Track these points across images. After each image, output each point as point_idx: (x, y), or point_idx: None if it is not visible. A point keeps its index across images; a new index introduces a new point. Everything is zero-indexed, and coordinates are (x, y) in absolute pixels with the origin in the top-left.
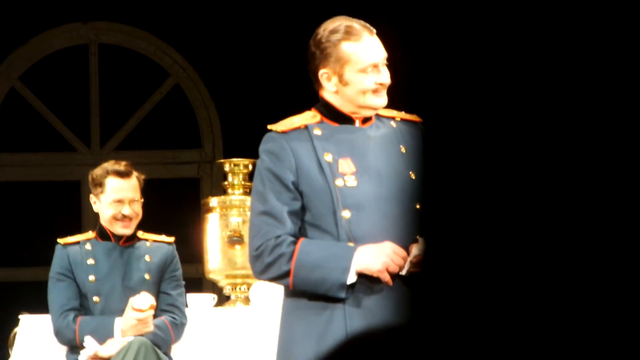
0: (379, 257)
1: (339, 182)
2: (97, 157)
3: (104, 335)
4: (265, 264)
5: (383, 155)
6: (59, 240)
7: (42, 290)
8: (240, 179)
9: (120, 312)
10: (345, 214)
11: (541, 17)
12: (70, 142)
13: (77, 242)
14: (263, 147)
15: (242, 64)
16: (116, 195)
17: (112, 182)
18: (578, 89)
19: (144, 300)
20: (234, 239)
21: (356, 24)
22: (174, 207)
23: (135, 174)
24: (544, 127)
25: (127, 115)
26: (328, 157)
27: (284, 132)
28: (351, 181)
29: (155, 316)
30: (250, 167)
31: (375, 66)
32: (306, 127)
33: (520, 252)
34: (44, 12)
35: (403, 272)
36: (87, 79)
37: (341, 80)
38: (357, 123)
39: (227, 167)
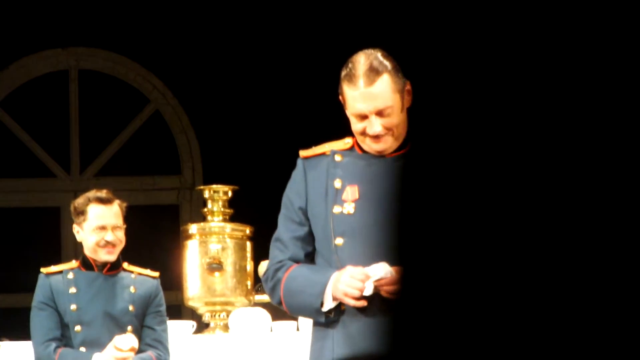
0: (338, 284)
1: (336, 209)
2: (76, 183)
3: None
4: (269, 289)
5: (390, 183)
6: (42, 269)
7: (22, 317)
8: (220, 206)
9: (102, 343)
10: (338, 241)
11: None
12: (50, 168)
13: (60, 272)
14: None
15: (222, 90)
16: (99, 222)
17: (94, 209)
18: (562, 103)
19: (126, 341)
20: (213, 266)
21: (360, 69)
22: (153, 234)
23: (117, 201)
24: (528, 150)
25: (107, 142)
26: (337, 184)
27: (305, 158)
28: (349, 208)
29: (140, 351)
30: (230, 193)
31: (365, 117)
32: (330, 152)
33: (498, 279)
34: (24, 37)
35: (367, 293)
36: (67, 105)
37: (348, 116)
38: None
39: (206, 194)
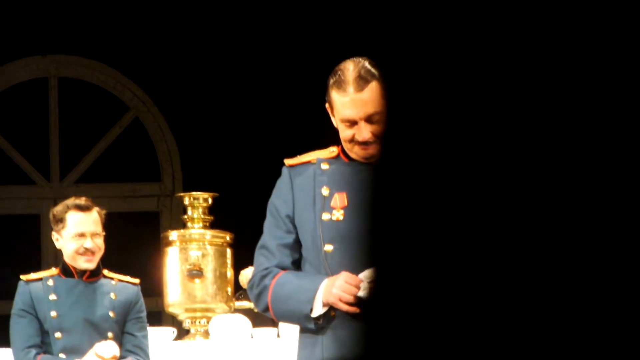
0: (331, 289)
1: (325, 216)
2: (56, 190)
3: None
4: (255, 296)
5: (377, 189)
6: (21, 277)
7: (1, 324)
8: (200, 213)
9: (82, 349)
10: (328, 247)
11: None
12: (30, 175)
13: (40, 279)
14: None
15: (202, 98)
16: (77, 229)
17: (72, 216)
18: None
19: (108, 349)
20: (194, 273)
21: (349, 75)
22: (134, 241)
23: (96, 208)
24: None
25: (86, 149)
26: (325, 191)
27: (291, 166)
28: (338, 215)
29: (120, 357)
30: (210, 200)
31: (354, 123)
32: (316, 161)
33: (483, 283)
34: (3, 44)
35: (361, 294)
36: (47, 112)
37: (335, 123)
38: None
39: (186, 201)
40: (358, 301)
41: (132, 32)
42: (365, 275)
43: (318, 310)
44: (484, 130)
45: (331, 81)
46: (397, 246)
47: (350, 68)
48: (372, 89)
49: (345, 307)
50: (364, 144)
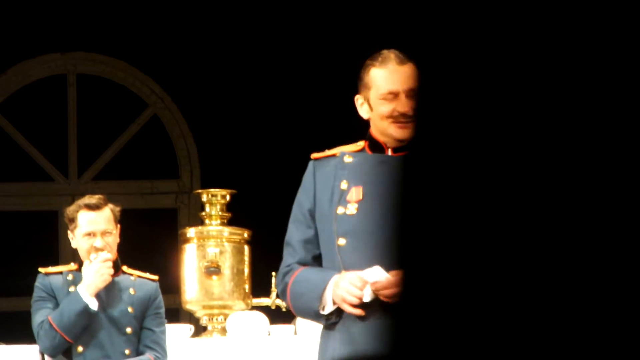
0: (337, 290)
1: (340, 210)
2: (74, 187)
3: (74, 300)
4: (280, 293)
5: (394, 183)
6: (40, 269)
7: (19, 321)
8: (218, 210)
9: (100, 344)
10: (341, 241)
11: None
12: (48, 172)
13: (60, 272)
14: None
15: (220, 95)
16: (87, 228)
17: (83, 215)
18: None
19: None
20: (211, 270)
21: (391, 53)
22: (152, 238)
23: (109, 206)
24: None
25: (105, 146)
26: (344, 185)
27: (316, 159)
28: (352, 209)
29: (138, 353)
30: (228, 197)
31: (396, 94)
32: (339, 154)
33: (500, 281)
34: (22, 42)
35: (366, 300)
36: (65, 109)
37: (370, 106)
38: (389, 152)
39: (204, 198)
40: (362, 304)
41: (150, 29)
42: (371, 275)
43: (329, 307)
44: (514, 128)
45: (368, 63)
46: (424, 243)
47: (388, 51)
48: (412, 67)
49: (349, 309)
50: (403, 119)
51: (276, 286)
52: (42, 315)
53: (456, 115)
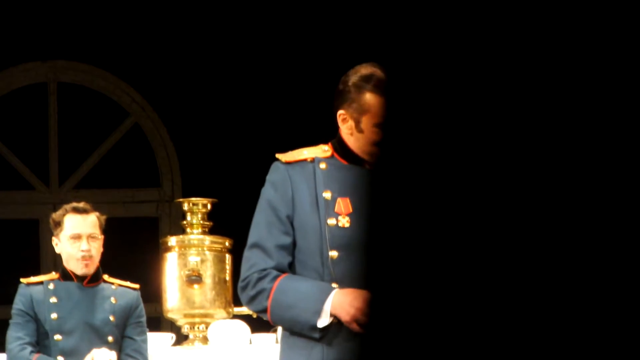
0: (350, 309)
1: (331, 222)
2: (55, 195)
3: None
4: (249, 297)
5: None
6: (22, 280)
7: (0, 329)
8: (199, 218)
9: (81, 353)
10: (333, 254)
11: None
12: (29, 181)
13: (41, 282)
14: (268, 177)
15: (201, 103)
16: (74, 231)
17: (70, 218)
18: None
19: (104, 356)
20: (193, 278)
21: (381, 73)
22: (133, 246)
23: (96, 213)
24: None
25: (86, 154)
26: (327, 195)
27: (288, 163)
28: (344, 222)
29: None
30: (209, 206)
31: None
32: (313, 160)
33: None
34: (2, 50)
35: None
36: (47, 118)
37: (357, 127)
38: (367, 166)
39: (185, 207)
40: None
41: (132, 37)
42: None
43: (325, 321)
44: (481, 133)
45: (363, 85)
46: (396, 254)
47: (380, 72)
48: None
49: (357, 329)
50: None
51: (241, 288)
52: (17, 332)
53: (425, 129)
